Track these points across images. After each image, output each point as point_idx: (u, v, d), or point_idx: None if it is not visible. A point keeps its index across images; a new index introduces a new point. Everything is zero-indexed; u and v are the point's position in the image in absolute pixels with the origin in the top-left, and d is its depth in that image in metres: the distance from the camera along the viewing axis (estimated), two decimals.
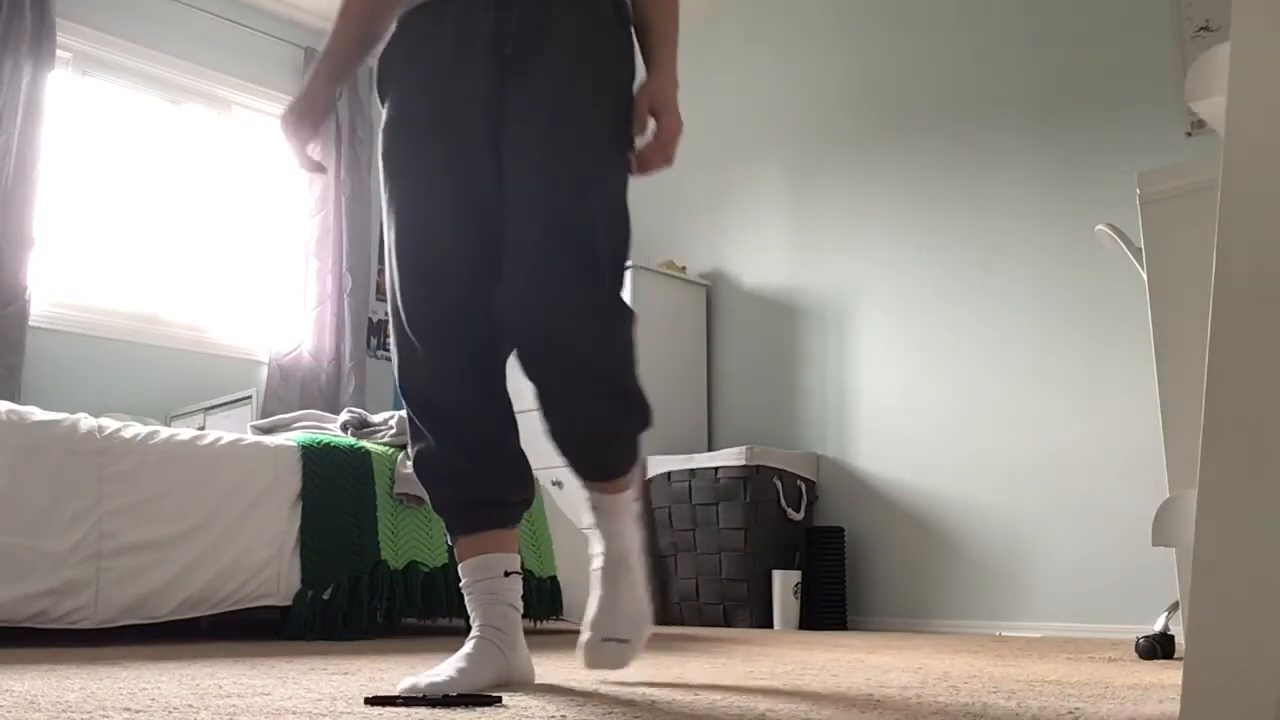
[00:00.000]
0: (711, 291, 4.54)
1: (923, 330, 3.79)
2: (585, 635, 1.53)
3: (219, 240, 4.55)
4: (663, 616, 4.03)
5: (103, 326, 4.12)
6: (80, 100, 4.25)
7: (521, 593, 1.51)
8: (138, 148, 4.38)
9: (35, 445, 2.18)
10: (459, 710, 1.13)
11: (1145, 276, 1.95)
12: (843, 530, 3.74)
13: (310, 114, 1.65)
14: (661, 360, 4.25)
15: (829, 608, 3.64)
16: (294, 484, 2.52)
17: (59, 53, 4.12)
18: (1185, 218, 1.88)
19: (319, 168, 1.67)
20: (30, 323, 3.84)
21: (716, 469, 3.81)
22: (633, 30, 1.62)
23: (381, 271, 4.91)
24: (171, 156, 4.48)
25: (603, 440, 1.49)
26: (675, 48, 1.62)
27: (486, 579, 1.47)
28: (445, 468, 1.49)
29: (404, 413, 1.88)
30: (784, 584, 3.64)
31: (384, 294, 4.89)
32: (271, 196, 4.68)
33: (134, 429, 2.37)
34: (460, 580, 1.52)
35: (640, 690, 1.40)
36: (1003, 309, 3.59)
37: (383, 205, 1.58)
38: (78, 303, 4.11)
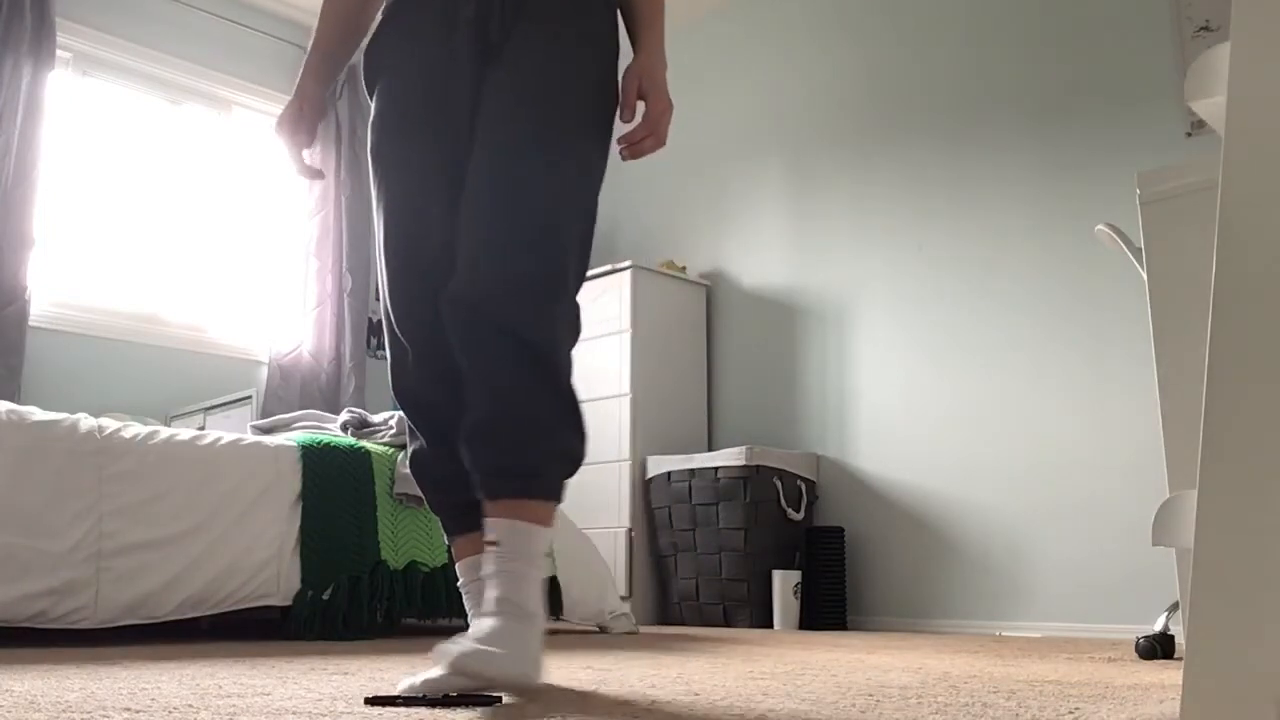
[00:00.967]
0: (711, 291, 4.54)
1: (923, 330, 3.79)
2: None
3: (219, 240, 4.55)
4: (663, 616, 4.03)
5: (103, 326, 4.12)
6: (80, 100, 4.25)
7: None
8: (138, 148, 4.38)
9: (35, 445, 2.18)
10: (459, 710, 1.13)
11: (1145, 276, 1.95)
12: (843, 530, 3.74)
13: (305, 117, 1.63)
14: (661, 360, 4.25)
15: (829, 608, 3.64)
16: (294, 484, 2.52)
17: (59, 53, 4.12)
18: (1185, 218, 1.88)
19: (317, 174, 1.65)
20: (30, 323, 3.84)
21: (716, 469, 3.81)
22: (618, 11, 1.59)
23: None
24: (171, 156, 4.47)
25: (524, 429, 1.33)
26: (662, 27, 1.59)
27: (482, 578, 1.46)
28: (438, 469, 1.49)
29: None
30: (784, 584, 3.64)
31: None
32: (271, 196, 4.68)
33: (134, 429, 2.37)
34: (459, 580, 1.52)
35: (640, 690, 1.40)
36: (1003, 309, 3.59)
37: (372, 200, 1.56)
38: (78, 303, 4.11)
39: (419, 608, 2.60)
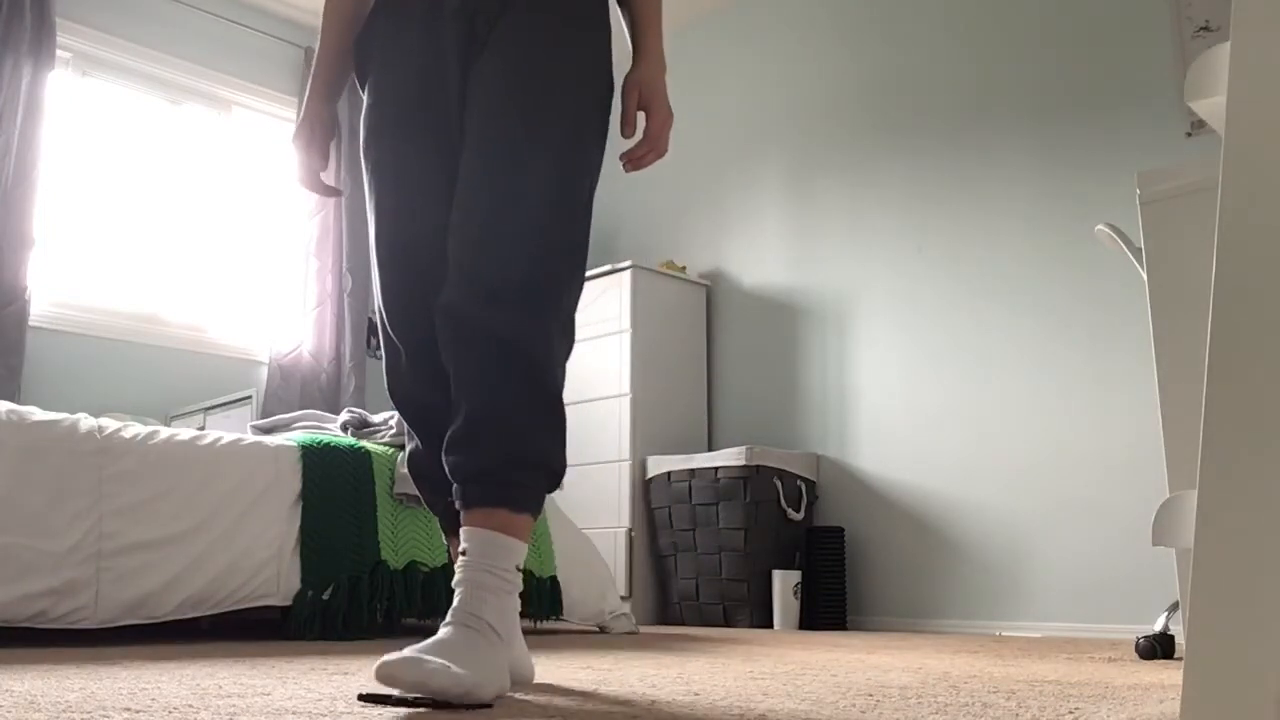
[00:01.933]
0: (711, 291, 4.54)
1: (923, 330, 3.79)
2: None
3: (219, 240, 4.55)
4: (663, 616, 4.03)
5: (103, 326, 4.12)
6: (80, 100, 4.25)
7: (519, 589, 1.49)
8: (138, 148, 4.38)
9: (35, 445, 2.18)
10: (455, 710, 1.13)
11: (1145, 276, 1.95)
12: (843, 530, 3.74)
13: (317, 138, 1.61)
14: (661, 360, 4.25)
15: (829, 608, 3.64)
16: (294, 484, 2.52)
17: (59, 53, 4.12)
18: (1185, 218, 1.88)
19: (334, 192, 1.63)
20: (30, 323, 3.84)
21: (716, 469, 3.81)
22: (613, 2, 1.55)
23: None
24: (171, 156, 4.47)
25: (503, 439, 1.29)
26: (660, 28, 1.55)
27: None
28: (435, 470, 1.48)
29: None
30: (784, 584, 3.64)
31: None
32: (271, 196, 4.68)
33: (134, 429, 2.37)
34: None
35: (640, 690, 1.40)
36: (1003, 309, 3.59)
37: (365, 194, 1.54)
38: (78, 303, 4.11)
39: (419, 608, 2.60)
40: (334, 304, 4.63)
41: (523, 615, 2.74)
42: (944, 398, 3.69)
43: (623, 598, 3.88)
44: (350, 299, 4.67)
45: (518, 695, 1.33)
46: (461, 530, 1.29)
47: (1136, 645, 2.21)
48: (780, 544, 3.78)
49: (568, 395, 4.23)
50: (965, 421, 3.62)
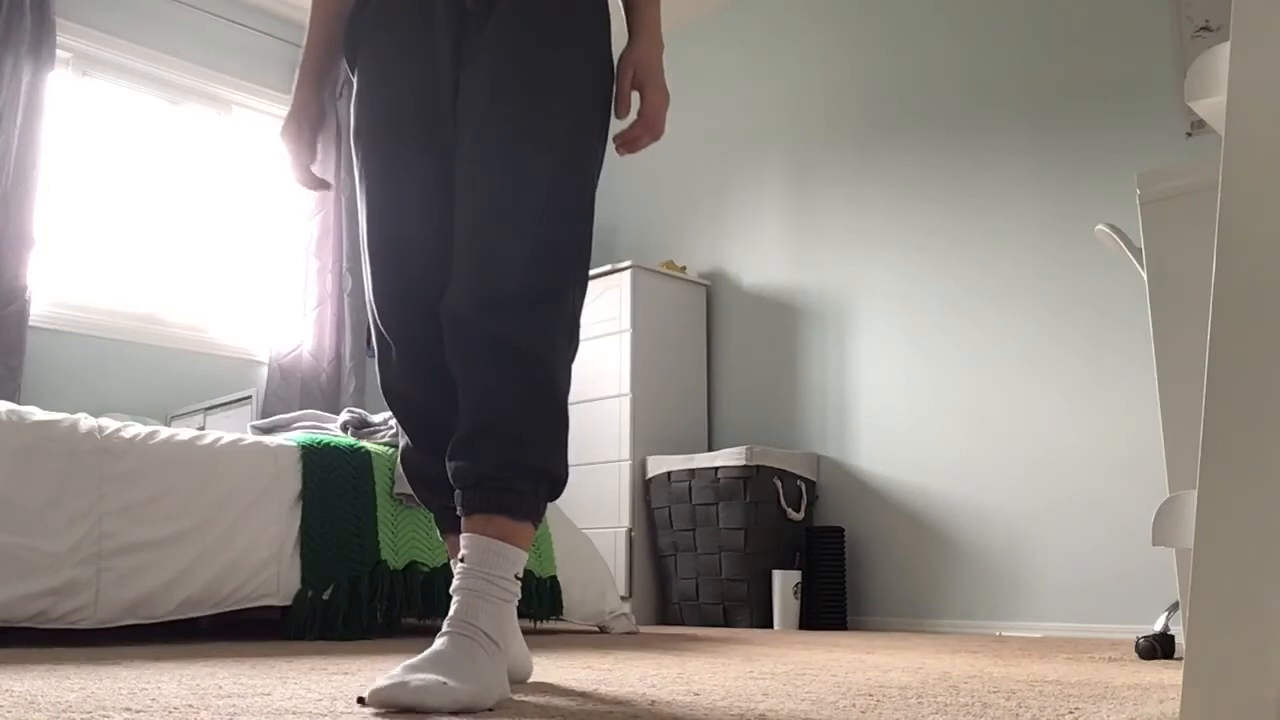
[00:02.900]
0: (711, 291, 4.54)
1: (923, 330, 3.79)
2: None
3: (219, 240, 4.55)
4: (663, 616, 4.03)
5: (103, 326, 4.12)
6: (80, 100, 4.25)
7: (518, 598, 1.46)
8: (138, 148, 4.38)
9: (35, 445, 2.18)
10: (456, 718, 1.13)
11: (1145, 276, 1.95)
12: (843, 530, 3.74)
13: (305, 130, 1.59)
14: (661, 360, 4.25)
15: (829, 608, 3.64)
16: (294, 484, 2.52)
17: (59, 53, 4.12)
18: (1185, 218, 1.88)
19: (323, 184, 1.61)
20: (30, 323, 3.84)
21: (716, 469, 3.81)
22: None
23: None
24: (171, 156, 4.47)
25: (507, 445, 1.28)
26: (658, 7, 1.50)
27: None
28: (425, 471, 1.46)
29: None
30: (784, 584, 3.64)
31: None
32: (271, 196, 4.68)
33: (134, 429, 2.37)
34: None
35: (640, 690, 1.40)
36: (1003, 309, 3.59)
37: (355, 184, 1.50)
38: (78, 303, 4.11)
39: (419, 608, 2.60)
40: (334, 304, 4.63)
41: (523, 615, 2.74)
42: (944, 398, 3.69)
43: (623, 598, 3.88)
44: (350, 299, 4.67)
45: (517, 696, 1.33)
46: (461, 537, 1.28)
47: (1136, 645, 2.21)
48: (780, 544, 3.78)
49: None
50: (965, 421, 3.62)
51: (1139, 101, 3.36)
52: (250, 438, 2.57)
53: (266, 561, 2.40)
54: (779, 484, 3.80)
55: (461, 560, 1.26)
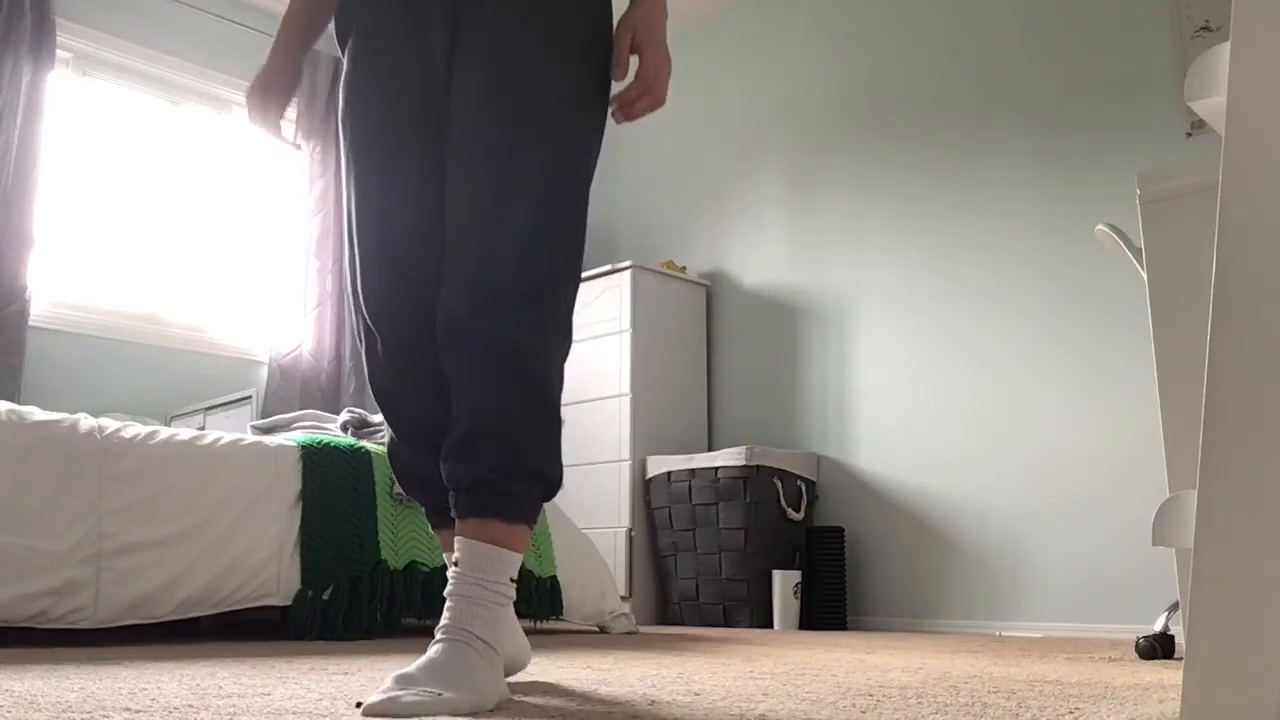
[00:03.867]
0: (711, 291, 4.54)
1: (923, 330, 3.79)
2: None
3: (219, 240, 4.55)
4: (663, 616, 4.03)
5: (103, 326, 4.12)
6: (80, 100, 4.25)
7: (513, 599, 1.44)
8: (138, 148, 4.38)
9: (35, 445, 2.18)
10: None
11: (1145, 276, 1.95)
12: (843, 530, 3.74)
13: (275, 85, 1.54)
14: (661, 360, 4.25)
15: (829, 608, 3.64)
16: (294, 484, 2.52)
17: (59, 53, 4.12)
18: (1185, 218, 1.88)
19: (294, 145, 1.57)
20: (30, 323, 3.84)
21: (716, 469, 3.81)
22: None
23: None
24: (171, 156, 4.48)
25: (501, 448, 1.26)
26: None
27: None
28: (417, 470, 1.44)
29: None
30: (784, 584, 3.64)
31: None
32: (271, 197, 4.68)
33: (134, 429, 2.37)
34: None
35: (640, 690, 1.40)
36: (1002, 309, 3.59)
37: (342, 167, 1.47)
38: (78, 303, 4.11)
39: (419, 608, 2.60)
40: (334, 304, 4.63)
41: (522, 615, 2.74)
42: (944, 397, 3.69)
43: (623, 598, 3.88)
44: (350, 299, 4.67)
45: (517, 696, 1.33)
46: (456, 539, 1.27)
47: (1136, 645, 2.21)
48: (780, 544, 3.78)
49: (567, 395, 4.23)
50: (965, 421, 3.62)
51: (1139, 101, 3.36)
52: (250, 438, 2.57)
53: (266, 561, 2.40)
54: (779, 484, 3.80)
55: (455, 564, 1.25)
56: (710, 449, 4.34)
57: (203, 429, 3.32)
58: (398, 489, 2.68)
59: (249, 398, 3.92)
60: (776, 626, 3.64)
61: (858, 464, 3.90)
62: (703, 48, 4.80)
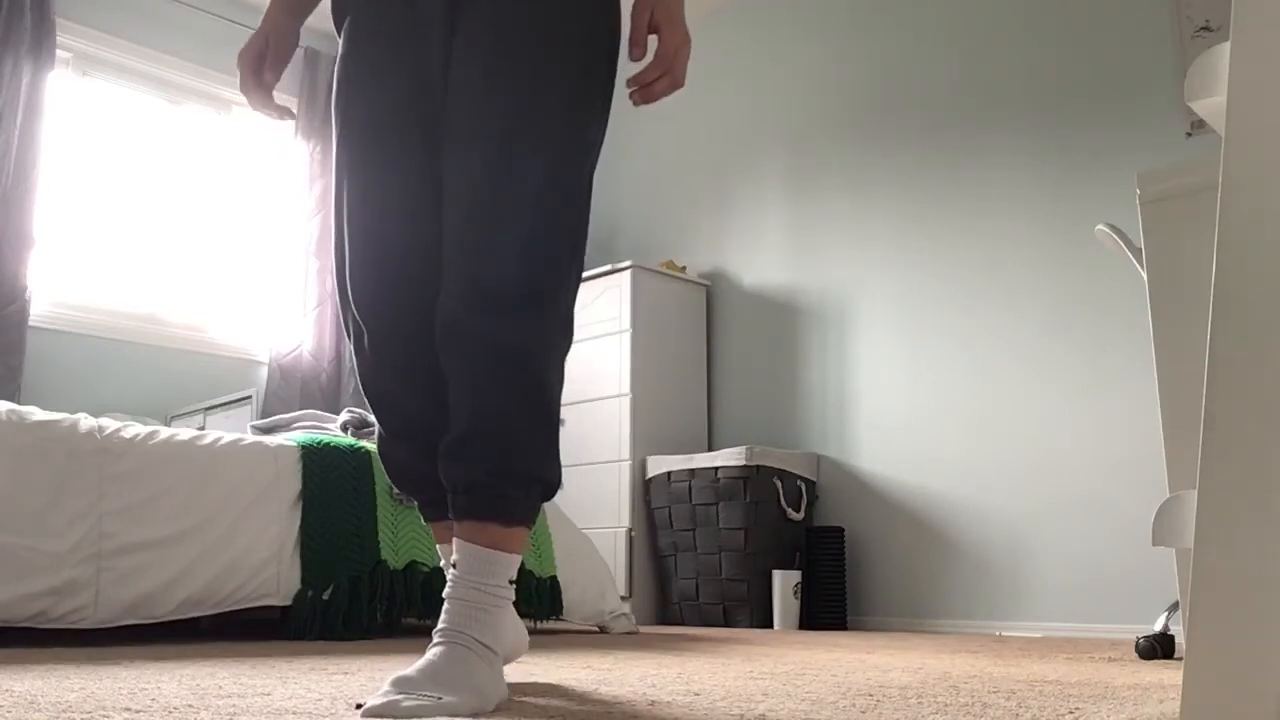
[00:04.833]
0: (711, 291, 4.54)
1: (923, 330, 3.79)
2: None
3: (219, 240, 4.55)
4: (663, 616, 4.03)
5: (103, 326, 4.12)
6: (80, 100, 4.25)
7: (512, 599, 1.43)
8: (138, 148, 4.38)
9: (35, 445, 2.18)
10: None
11: (1145, 276, 1.95)
12: (843, 530, 3.74)
13: (274, 50, 1.48)
14: (661, 360, 4.25)
15: (829, 608, 3.64)
16: (294, 484, 2.52)
17: (59, 53, 4.12)
18: (1185, 218, 1.88)
19: (286, 113, 1.50)
20: (30, 323, 3.84)
21: (716, 469, 3.81)
22: None
23: None
24: (171, 156, 4.48)
25: (499, 449, 1.24)
26: None
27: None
28: (411, 469, 1.43)
29: None
30: (784, 584, 3.64)
31: None
32: (271, 196, 4.68)
33: (134, 429, 2.37)
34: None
35: (640, 690, 1.40)
36: (1002, 308, 3.59)
37: (333, 152, 1.39)
38: (78, 303, 4.11)
39: (419, 608, 2.60)
40: (334, 304, 4.63)
41: (523, 615, 2.74)
42: (944, 397, 3.69)
43: (623, 598, 3.88)
44: (338, 291, 4.66)
45: (517, 697, 1.33)
46: (454, 541, 1.26)
47: (1136, 645, 2.21)
48: (780, 544, 3.78)
49: (567, 395, 4.23)
50: (965, 421, 3.62)
51: (1139, 101, 3.36)
52: (250, 438, 2.57)
53: (266, 561, 2.40)
54: (779, 484, 3.80)
55: (454, 566, 1.24)
56: (710, 449, 4.34)
57: (203, 429, 3.32)
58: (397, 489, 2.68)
59: (249, 398, 3.92)
60: (776, 626, 3.64)
61: (858, 464, 3.90)
62: (703, 48, 4.80)
